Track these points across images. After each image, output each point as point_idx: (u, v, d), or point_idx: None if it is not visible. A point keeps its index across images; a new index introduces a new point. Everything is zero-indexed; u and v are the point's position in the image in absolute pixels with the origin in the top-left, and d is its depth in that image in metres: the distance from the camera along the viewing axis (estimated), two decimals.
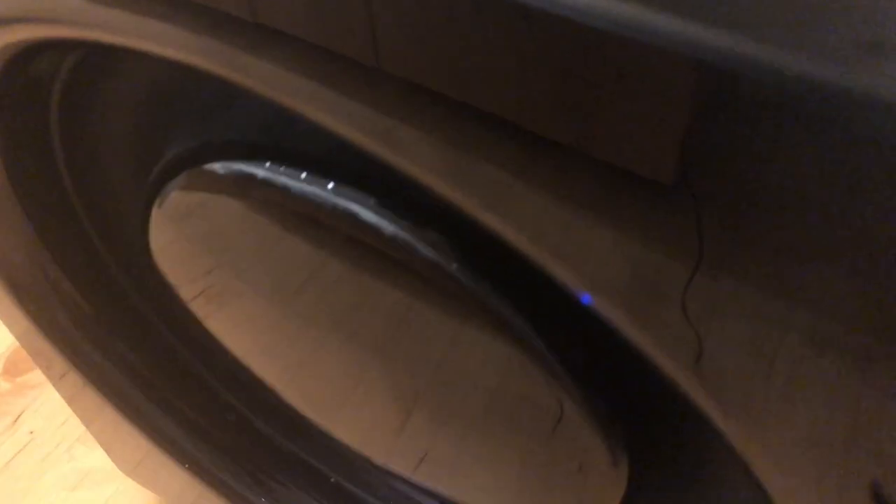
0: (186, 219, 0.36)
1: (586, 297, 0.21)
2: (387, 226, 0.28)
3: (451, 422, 0.39)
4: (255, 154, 0.30)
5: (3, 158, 0.35)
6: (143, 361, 0.47)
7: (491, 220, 0.21)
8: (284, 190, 0.29)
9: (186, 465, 0.50)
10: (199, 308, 0.43)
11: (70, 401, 0.56)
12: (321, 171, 0.28)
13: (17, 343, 0.80)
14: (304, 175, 0.28)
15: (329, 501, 0.49)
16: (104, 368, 0.47)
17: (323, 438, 0.47)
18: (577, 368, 0.31)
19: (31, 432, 0.74)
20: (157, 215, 0.37)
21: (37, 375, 0.78)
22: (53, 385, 0.55)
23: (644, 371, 0.29)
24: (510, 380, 0.33)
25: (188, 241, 0.38)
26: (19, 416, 0.75)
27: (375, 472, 0.48)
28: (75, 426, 0.74)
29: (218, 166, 0.32)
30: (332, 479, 0.50)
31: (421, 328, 0.34)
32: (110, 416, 0.50)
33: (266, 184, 0.30)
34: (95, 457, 0.72)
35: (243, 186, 0.31)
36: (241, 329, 0.43)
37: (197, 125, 0.32)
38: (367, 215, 0.28)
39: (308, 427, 0.47)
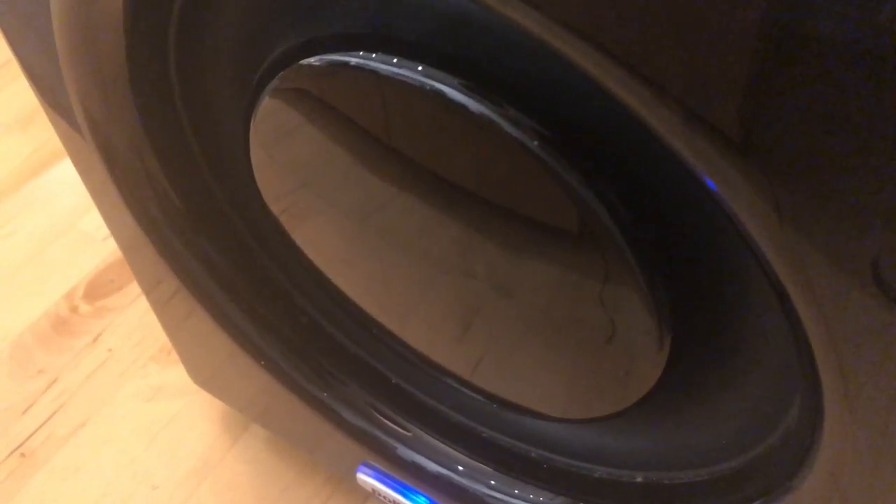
0: (282, 127, 0.40)
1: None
2: (470, 107, 0.31)
3: (506, 333, 0.42)
4: (350, 46, 0.34)
5: (128, 58, 0.39)
6: (227, 262, 0.52)
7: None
8: (373, 76, 0.33)
9: (262, 363, 0.54)
10: (284, 221, 0.47)
11: (161, 310, 0.61)
12: (413, 56, 0.32)
13: (97, 269, 0.86)
14: (395, 60, 0.32)
15: (387, 399, 0.54)
16: (193, 269, 0.52)
17: (387, 345, 0.51)
18: (648, 258, 0.33)
19: (110, 350, 0.80)
20: (255, 124, 0.40)
21: (114, 300, 0.84)
22: (147, 295, 0.60)
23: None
24: (579, 285, 0.36)
25: (281, 153, 0.42)
26: (99, 335, 0.81)
27: (432, 373, 0.52)
28: (148, 346, 0.80)
29: (311, 60, 0.36)
30: (394, 381, 0.54)
31: (490, 249, 0.37)
32: (198, 319, 0.55)
33: (356, 72, 0.34)
34: (167, 373, 0.78)
35: (334, 77, 0.35)
36: (318, 242, 0.47)
37: (300, 24, 0.36)
38: (451, 96, 0.32)
39: (374, 333, 0.51)
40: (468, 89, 0.32)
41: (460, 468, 0.50)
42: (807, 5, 0.19)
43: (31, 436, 0.74)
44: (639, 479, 0.45)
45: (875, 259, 0.20)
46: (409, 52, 0.33)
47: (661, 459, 0.44)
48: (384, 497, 0.56)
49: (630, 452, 0.46)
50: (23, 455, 0.73)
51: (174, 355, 0.75)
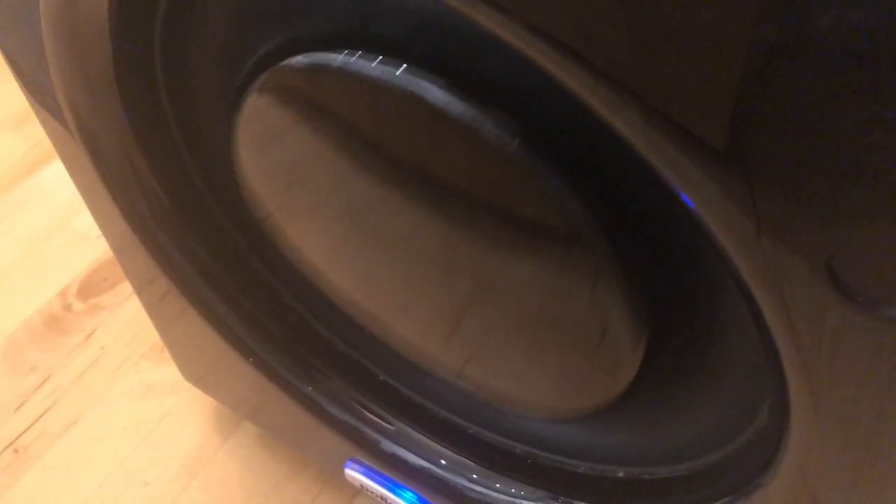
0: (266, 128, 0.41)
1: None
2: (453, 106, 0.32)
3: (495, 331, 0.42)
4: (335, 45, 0.34)
5: (114, 59, 0.40)
6: (215, 260, 0.52)
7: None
8: (357, 75, 0.33)
9: (251, 359, 0.55)
10: (271, 223, 0.47)
11: (152, 309, 0.62)
12: (397, 54, 0.32)
13: (91, 267, 0.87)
14: (376, 62, 0.33)
15: (373, 394, 0.54)
16: (182, 267, 0.52)
17: (375, 342, 0.52)
18: (626, 257, 0.34)
19: (102, 348, 0.81)
20: (239, 125, 0.41)
21: (107, 298, 0.85)
22: (138, 295, 0.61)
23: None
24: (559, 285, 0.36)
25: (266, 153, 0.42)
26: (91, 333, 0.82)
27: (419, 371, 0.52)
28: (140, 344, 0.81)
29: (294, 60, 0.36)
30: (381, 378, 0.55)
31: (477, 248, 0.37)
32: (189, 318, 0.56)
33: (340, 72, 0.34)
34: (159, 371, 0.78)
35: (317, 78, 0.35)
36: (306, 243, 0.47)
37: (285, 24, 0.37)
38: (435, 95, 0.32)
39: (362, 330, 0.52)
40: (452, 87, 0.32)
41: (443, 462, 0.51)
42: (794, 15, 0.19)
43: (23, 432, 0.75)
44: (621, 474, 0.46)
45: (830, 257, 0.21)
46: (394, 50, 0.33)
47: (642, 455, 0.45)
48: (372, 492, 0.56)
49: (613, 448, 0.46)
50: (15, 451, 0.73)
51: (166, 353, 0.75)
